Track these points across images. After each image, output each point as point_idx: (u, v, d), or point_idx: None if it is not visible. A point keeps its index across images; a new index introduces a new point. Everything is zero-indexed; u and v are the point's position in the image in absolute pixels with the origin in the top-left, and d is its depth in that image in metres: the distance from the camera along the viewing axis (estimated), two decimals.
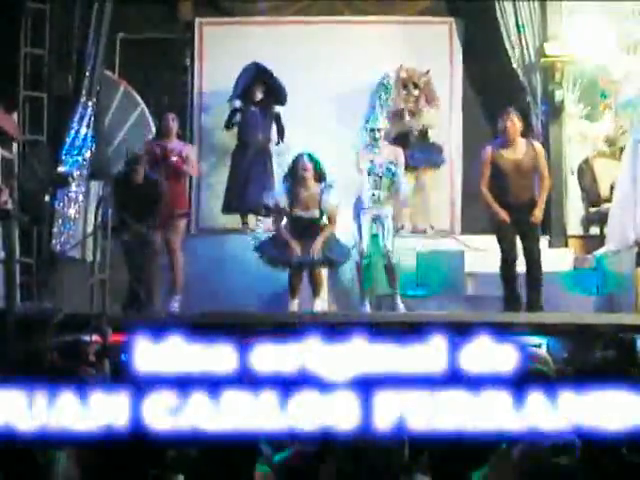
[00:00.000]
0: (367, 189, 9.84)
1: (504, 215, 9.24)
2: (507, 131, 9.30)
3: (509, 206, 9.28)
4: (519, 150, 9.36)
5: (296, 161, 9.69)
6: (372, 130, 10.00)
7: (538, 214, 9.39)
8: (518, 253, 9.37)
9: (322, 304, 10.00)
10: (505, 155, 9.32)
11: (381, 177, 9.86)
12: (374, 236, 9.95)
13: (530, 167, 9.36)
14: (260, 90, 11.37)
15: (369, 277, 10.05)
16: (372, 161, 9.85)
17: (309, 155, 9.69)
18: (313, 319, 9.32)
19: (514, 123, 9.32)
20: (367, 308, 9.93)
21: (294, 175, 9.68)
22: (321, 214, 9.71)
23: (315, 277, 9.85)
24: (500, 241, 9.43)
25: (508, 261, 9.36)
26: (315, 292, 9.85)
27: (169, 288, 10.09)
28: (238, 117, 11.40)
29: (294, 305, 9.76)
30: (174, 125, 10.43)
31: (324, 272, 10.09)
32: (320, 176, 9.69)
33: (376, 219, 9.89)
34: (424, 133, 11.47)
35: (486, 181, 9.35)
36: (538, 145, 9.67)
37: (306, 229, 9.71)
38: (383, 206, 9.92)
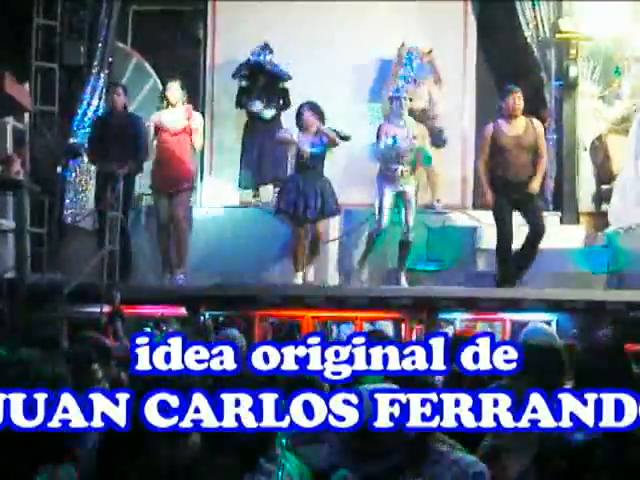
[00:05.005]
0: (389, 163, 9.82)
1: (490, 197, 9.34)
2: (509, 108, 9.34)
3: (508, 183, 9.30)
4: (519, 127, 9.40)
5: (300, 107, 9.98)
6: (396, 99, 10.00)
7: (535, 186, 9.37)
8: (513, 234, 9.38)
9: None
10: (505, 131, 9.37)
11: (405, 152, 9.80)
12: (395, 211, 9.92)
13: (529, 144, 9.37)
14: (263, 75, 11.32)
15: (377, 250, 10.08)
16: (395, 136, 9.81)
17: (311, 103, 10.01)
18: (318, 291, 9.44)
19: (516, 101, 9.35)
20: (364, 278, 10.06)
21: (299, 122, 9.90)
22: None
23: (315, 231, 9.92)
24: (497, 221, 9.47)
25: (504, 241, 9.39)
26: (312, 250, 9.94)
27: (175, 261, 9.99)
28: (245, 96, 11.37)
29: (298, 278, 9.83)
30: (177, 94, 9.98)
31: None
32: (321, 120, 9.90)
33: (400, 195, 9.87)
34: (425, 113, 11.21)
35: (485, 157, 9.43)
36: (538, 123, 9.67)
37: (310, 166, 9.79)
38: (407, 182, 9.89)
